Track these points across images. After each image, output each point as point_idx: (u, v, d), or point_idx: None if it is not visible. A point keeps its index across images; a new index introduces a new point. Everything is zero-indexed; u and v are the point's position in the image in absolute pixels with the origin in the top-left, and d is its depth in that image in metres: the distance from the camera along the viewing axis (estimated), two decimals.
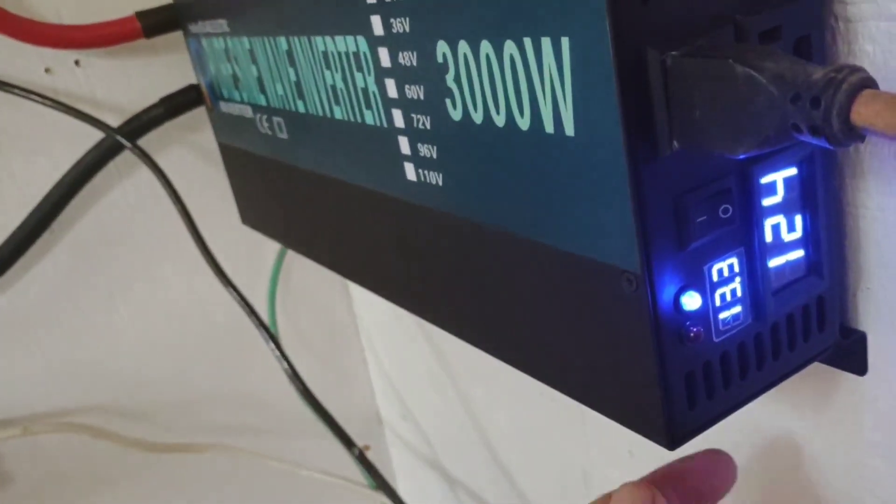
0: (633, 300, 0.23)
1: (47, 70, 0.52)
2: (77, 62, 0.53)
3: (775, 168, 0.24)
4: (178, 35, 0.51)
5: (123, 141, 0.48)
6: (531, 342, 0.29)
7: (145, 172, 0.56)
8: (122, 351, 0.59)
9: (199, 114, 0.55)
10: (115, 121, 0.53)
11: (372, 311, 0.69)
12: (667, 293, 0.23)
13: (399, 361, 0.69)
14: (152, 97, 0.53)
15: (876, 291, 0.28)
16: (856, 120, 0.18)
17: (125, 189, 0.57)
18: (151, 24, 0.49)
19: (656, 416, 0.24)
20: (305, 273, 0.66)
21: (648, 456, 0.43)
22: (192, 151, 0.58)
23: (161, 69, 0.55)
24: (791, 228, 0.26)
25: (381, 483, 0.50)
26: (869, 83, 0.19)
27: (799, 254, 0.26)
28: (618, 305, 0.24)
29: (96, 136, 0.52)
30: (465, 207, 0.30)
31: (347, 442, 0.50)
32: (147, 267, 0.59)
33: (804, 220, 0.26)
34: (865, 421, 0.30)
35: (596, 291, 0.25)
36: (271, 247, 0.64)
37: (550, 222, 0.25)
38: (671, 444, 0.25)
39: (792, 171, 0.25)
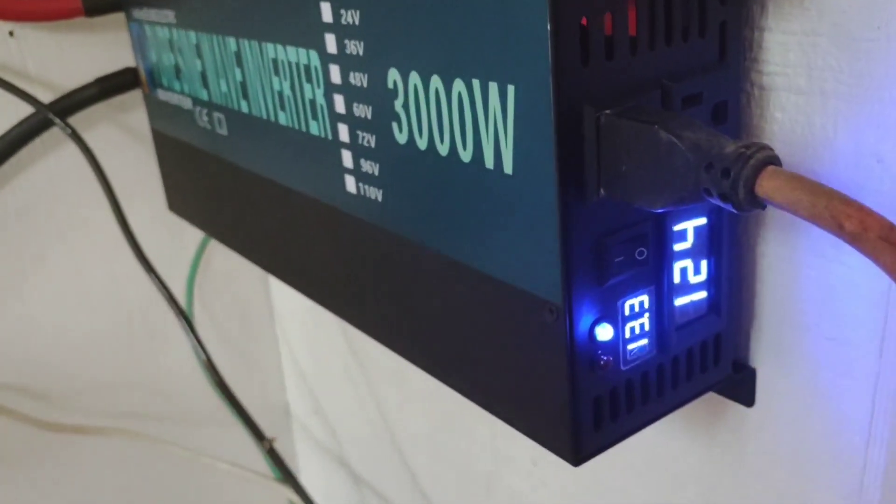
0: (552, 329, 0.25)
1: None
2: (11, 33, 0.52)
3: (688, 217, 0.27)
4: (117, 15, 0.51)
5: (55, 119, 0.48)
6: (452, 355, 0.31)
7: (70, 149, 0.56)
8: (32, 330, 0.58)
9: (133, 95, 0.55)
10: (45, 95, 0.52)
11: (290, 304, 0.70)
12: (583, 324, 0.25)
13: (314, 356, 0.69)
14: (86, 74, 0.53)
15: (767, 332, 0.31)
16: (759, 192, 0.21)
17: (48, 165, 0.56)
18: (93, 5, 0.49)
19: (564, 435, 0.27)
20: (225, 263, 0.67)
21: (550, 468, 0.46)
22: (121, 132, 0.58)
23: (97, 47, 0.54)
24: (697, 272, 0.28)
25: (287, 476, 0.51)
26: (773, 160, 0.21)
27: (702, 295, 0.29)
28: (538, 332, 0.26)
29: (24, 109, 0.51)
30: (401, 225, 0.31)
31: (257, 434, 0.51)
32: (63, 246, 0.58)
33: (709, 264, 0.28)
34: (749, 448, 0.33)
35: (519, 316, 0.27)
36: (193, 235, 0.64)
37: (482, 249, 0.27)
38: (576, 462, 0.27)
39: (702, 220, 0.28)
